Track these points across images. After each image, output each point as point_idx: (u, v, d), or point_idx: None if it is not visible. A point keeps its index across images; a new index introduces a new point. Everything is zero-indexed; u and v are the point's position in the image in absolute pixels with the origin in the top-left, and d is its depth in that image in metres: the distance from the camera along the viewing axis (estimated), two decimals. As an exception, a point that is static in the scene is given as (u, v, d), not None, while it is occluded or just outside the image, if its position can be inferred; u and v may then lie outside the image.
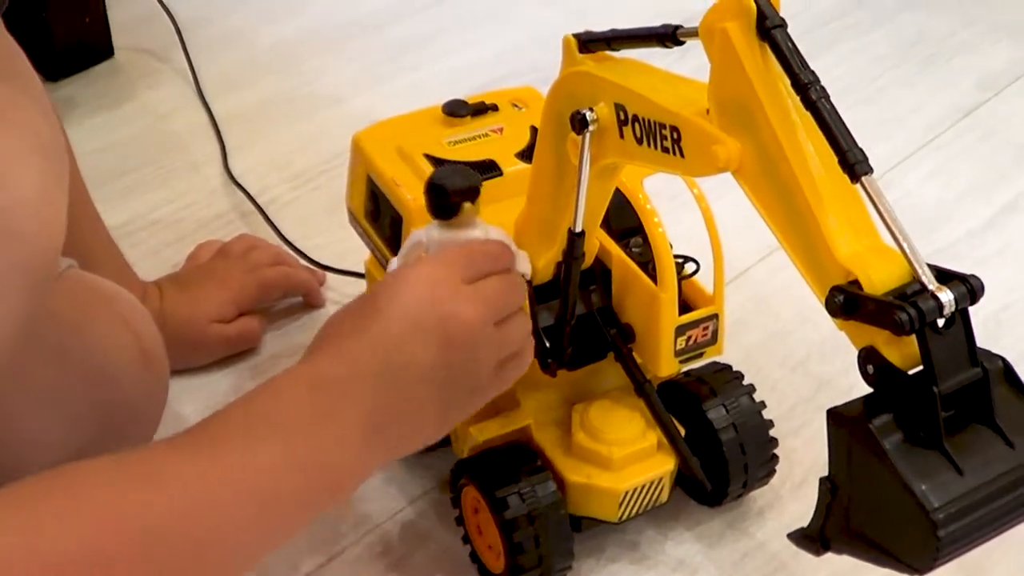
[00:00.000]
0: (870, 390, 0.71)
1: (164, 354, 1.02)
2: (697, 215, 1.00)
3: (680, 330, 0.99)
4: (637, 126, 0.82)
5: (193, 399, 1.22)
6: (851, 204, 0.71)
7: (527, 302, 0.95)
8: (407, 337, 0.84)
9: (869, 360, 0.69)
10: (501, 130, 1.10)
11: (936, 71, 1.76)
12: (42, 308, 0.91)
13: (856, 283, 0.69)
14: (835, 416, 0.70)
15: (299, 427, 0.79)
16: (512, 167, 1.05)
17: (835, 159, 0.70)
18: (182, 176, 1.54)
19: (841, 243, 0.70)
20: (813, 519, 0.73)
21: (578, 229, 0.92)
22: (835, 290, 0.70)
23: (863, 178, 0.69)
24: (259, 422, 0.79)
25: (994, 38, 1.83)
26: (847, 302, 0.69)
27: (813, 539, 0.74)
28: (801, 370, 1.25)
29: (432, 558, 1.07)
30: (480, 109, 1.12)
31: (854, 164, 0.69)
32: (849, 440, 0.69)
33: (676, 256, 1.00)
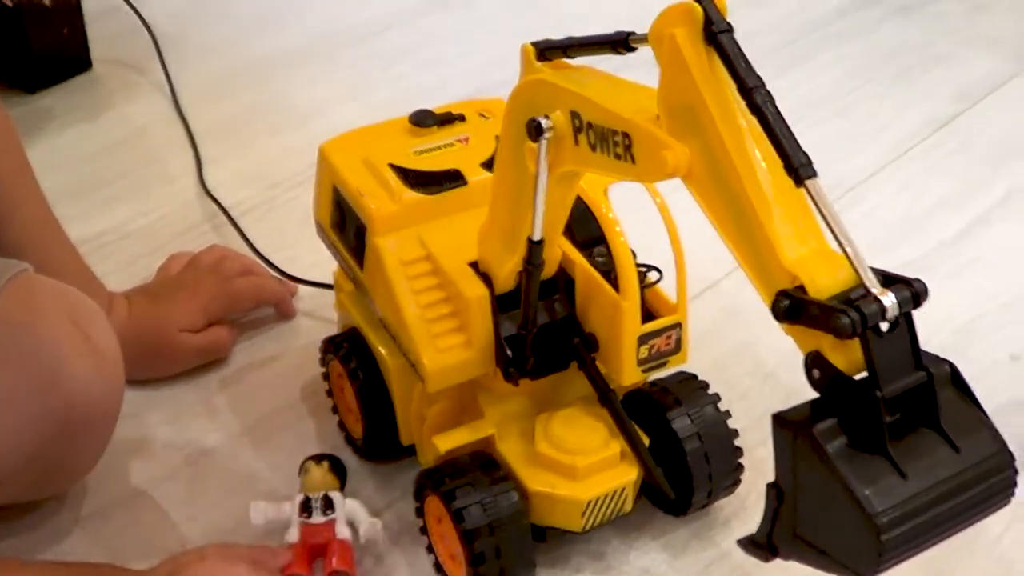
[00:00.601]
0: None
1: (118, 356, 1.02)
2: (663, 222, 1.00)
3: (643, 339, 0.99)
4: (591, 133, 0.81)
5: (160, 410, 1.21)
6: (798, 209, 0.71)
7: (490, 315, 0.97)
8: None
9: (815, 365, 0.70)
10: (467, 140, 1.10)
11: (913, 82, 1.76)
12: None
13: (802, 288, 0.69)
14: (780, 420, 0.70)
15: None
16: (477, 176, 1.06)
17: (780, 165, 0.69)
18: (157, 188, 1.54)
19: (787, 248, 0.70)
20: (761, 525, 0.73)
21: (537, 237, 0.91)
22: (781, 294, 0.69)
23: (807, 182, 0.68)
24: None
25: (972, 49, 1.84)
26: (792, 306, 0.69)
27: (761, 545, 0.74)
28: (771, 380, 1.24)
29: (396, 567, 1.06)
30: (446, 119, 1.12)
31: (798, 168, 0.68)
32: (793, 444, 0.69)
33: (639, 265, 0.99)
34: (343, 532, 1.04)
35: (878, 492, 0.66)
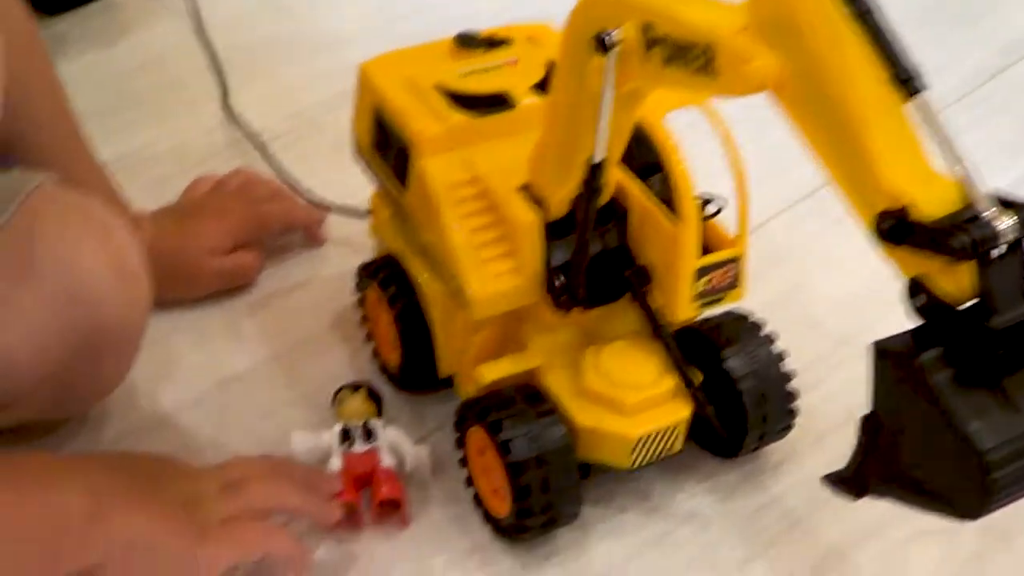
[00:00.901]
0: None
1: (144, 273, 0.98)
2: (718, 157, 0.95)
3: (700, 272, 0.95)
4: (665, 47, 0.77)
5: (184, 335, 1.17)
6: (900, 126, 0.66)
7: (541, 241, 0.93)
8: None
9: (918, 291, 0.65)
10: (515, 62, 1.05)
11: (962, 33, 1.71)
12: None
13: (905, 210, 0.65)
14: (880, 350, 0.65)
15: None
16: (526, 100, 1.01)
17: (885, 77, 0.65)
18: (180, 114, 1.50)
19: (890, 166, 0.65)
20: (851, 461, 0.69)
21: (598, 159, 0.87)
22: (883, 215, 0.65)
23: (917, 96, 0.64)
24: None
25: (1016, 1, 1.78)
26: (896, 228, 0.64)
27: (850, 482, 0.69)
28: (820, 327, 1.20)
29: (434, 501, 1.03)
30: (493, 42, 1.07)
31: (907, 80, 0.64)
32: (895, 375, 0.65)
33: (698, 196, 0.95)
34: (388, 461, 1.00)
35: (987, 427, 0.62)
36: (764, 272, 1.24)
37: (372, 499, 0.99)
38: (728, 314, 1.04)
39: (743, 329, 1.02)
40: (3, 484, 0.80)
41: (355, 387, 1.05)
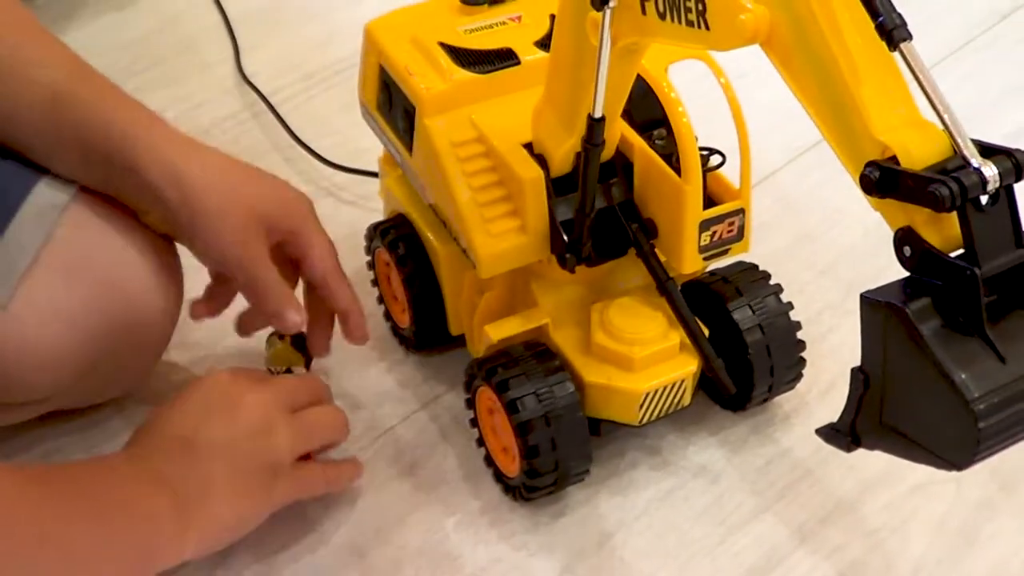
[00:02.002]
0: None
1: (178, 265, 1.01)
2: (720, 111, 0.95)
3: (704, 225, 0.95)
4: (660, 0, 0.77)
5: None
6: (888, 76, 0.66)
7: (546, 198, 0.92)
8: (200, 417, 0.91)
9: (906, 242, 0.65)
10: (519, 18, 1.05)
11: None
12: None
13: (893, 159, 0.65)
14: (869, 301, 0.66)
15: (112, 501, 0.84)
16: (530, 56, 1.01)
17: (871, 26, 0.65)
18: (193, 76, 1.50)
19: (877, 116, 0.65)
20: (844, 413, 0.69)
21: (598, 114, 0.86)
22: (870, 166, 0.65)
23: (901, 45, 0.64)
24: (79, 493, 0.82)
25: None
26: (883, 178, 0.64)
27: (843, 434, 0.70)
28: (830, 274, 1.20)
29: (445, 461, 1.04)
30: (497, -3, 1.07)
31: (892, 30, 0.64)
32: (884, 326, 0.65)
33: (701, 148, 0.95)
34: None
35: (975, 376, 0.62)
36: (773, 221, 1.24)
37: None
38: (734, 266, 1.04)
39: (749, 280, 1.02)
40: (85, 498, 0.81)
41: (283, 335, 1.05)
